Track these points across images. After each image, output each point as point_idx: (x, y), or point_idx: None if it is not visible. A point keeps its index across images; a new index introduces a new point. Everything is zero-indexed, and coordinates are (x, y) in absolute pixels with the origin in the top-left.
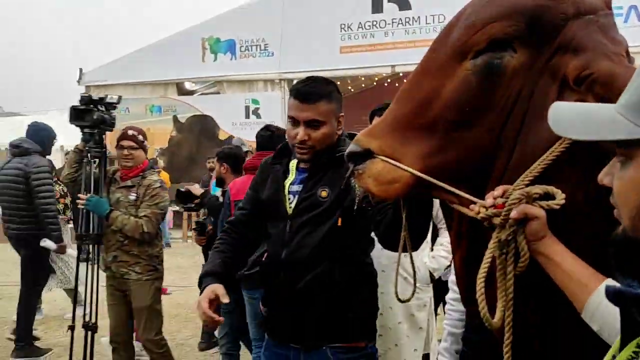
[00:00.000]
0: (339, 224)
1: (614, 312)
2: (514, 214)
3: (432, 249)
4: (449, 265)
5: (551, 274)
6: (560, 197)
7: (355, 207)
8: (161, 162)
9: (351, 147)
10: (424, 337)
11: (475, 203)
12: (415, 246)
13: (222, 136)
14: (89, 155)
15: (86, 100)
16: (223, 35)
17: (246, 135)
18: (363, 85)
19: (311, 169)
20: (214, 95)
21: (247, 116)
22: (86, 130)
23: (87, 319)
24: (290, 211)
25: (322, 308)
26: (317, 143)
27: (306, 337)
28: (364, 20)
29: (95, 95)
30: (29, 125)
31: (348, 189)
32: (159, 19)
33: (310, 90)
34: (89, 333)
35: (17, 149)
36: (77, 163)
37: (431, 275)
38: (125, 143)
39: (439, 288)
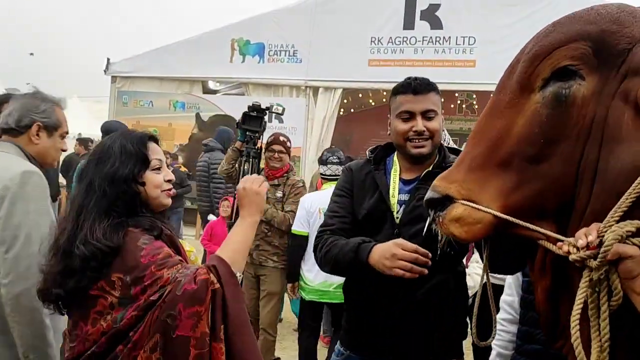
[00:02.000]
0: None
1: None
2: (608, 255)
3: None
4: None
5: None
6: None
7: (439, 252)
8: (180, 158)
9: (429, 194)
10: None
11: (561, 240)
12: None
13: None
14: (248, 154)
15: (256, 108)
16: (253, 38)
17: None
18: (384, 100)
19: (420, 178)
20: (239, 96)
21: (270, 120)
22: (248, 133)
23: None
24: (398, 220)
25: (438, 319)
26: (435, 134)
27: (413, 350)
28: (395, 36)
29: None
30: (216, 129)
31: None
32: (191, 15)
33: (421, 83)
34: None
35: (206, 146)
36: (234, 160)
37: None
38: (276, 147)
39: None
